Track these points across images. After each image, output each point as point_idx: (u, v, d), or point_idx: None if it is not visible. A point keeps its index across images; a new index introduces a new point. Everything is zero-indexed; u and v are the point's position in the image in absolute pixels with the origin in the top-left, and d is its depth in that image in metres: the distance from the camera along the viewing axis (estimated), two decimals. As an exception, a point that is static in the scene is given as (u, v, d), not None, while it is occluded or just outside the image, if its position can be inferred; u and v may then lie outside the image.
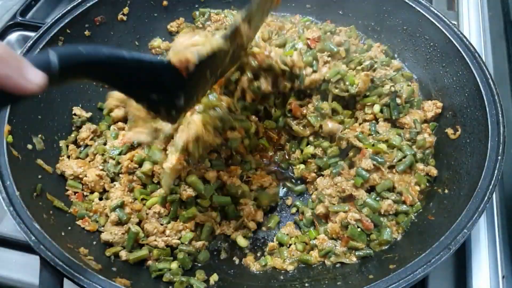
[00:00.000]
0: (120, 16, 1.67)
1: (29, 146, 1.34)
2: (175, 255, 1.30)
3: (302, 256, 1.32)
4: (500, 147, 1.22)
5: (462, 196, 1.23)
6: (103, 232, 1.31)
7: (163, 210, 1.34)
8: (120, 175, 1.41)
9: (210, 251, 1.35)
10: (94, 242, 1.30)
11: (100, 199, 1.40)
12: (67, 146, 1.48)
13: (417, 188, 1.37)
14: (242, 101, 1.45)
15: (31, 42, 1.43)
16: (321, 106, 1.51)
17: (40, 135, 1.39)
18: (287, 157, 1.59)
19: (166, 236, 1.31)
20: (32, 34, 1.61)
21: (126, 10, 1.67)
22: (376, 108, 1.49)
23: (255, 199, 1.42)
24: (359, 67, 1.52)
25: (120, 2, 1.66)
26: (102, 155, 1.45)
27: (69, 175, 1.39)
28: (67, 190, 1.39)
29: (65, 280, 1.07)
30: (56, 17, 1.50)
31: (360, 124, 1.52)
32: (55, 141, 1.46)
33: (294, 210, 1.46)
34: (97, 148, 1.47)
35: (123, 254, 1.27)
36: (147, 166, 1.37)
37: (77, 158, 1.46)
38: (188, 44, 1.01)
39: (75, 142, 1.50)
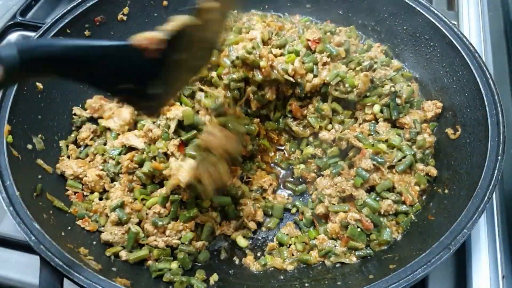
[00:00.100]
0: (120, 16, 1.67)
1: (29, 146, 1.34)
2: (175, 255, 1.30)
3: (302, 256, 1.32)
4: (500, 147, 1.22)
5: (462, 196, 1.23)
6: (103, 232, 1.31)
7: (163, 210, 1.34)
8: (120, 175, 1.41)
9: (210, 251, 1.35)
10: (94, 242, 1.30)
11: (100, 199, 1.40)
12: (67, 146, 1.48)
13: (417, 188, 1.37)
14: (246, 107, 1.50)
15: (31, 42, 1.43)
16: (321, 107, 1.51)
17: (40, 135, 1.40)
18: (287, 156, 1.59)
19: (166, 236, 1.31)
20: (32, 34, 1.62)
21: (126, 10, 1.67)
22: (376, 108, 1.50)
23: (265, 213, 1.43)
24: (358, 68, 1.52)
25: (120, 2, 1.66)
26: (102, 155, 1.45)
27: (69, 175, 1.39)
28: (67, 190, 1.39)
29: (65, 280, 1.07)
30: (56, 17, 1.50)
31: (360, 124, 1.52)
32: (55, 141, 1.46)
33: (294, 210, 1.46)
34: (97, 148, 1.47)
35: (123, 254, 1.27)
36: (147, 166, 1.37)
37: (77, 158, 1.46)
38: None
39: (75, 142, 1.50)
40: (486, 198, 1.15)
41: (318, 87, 1.51)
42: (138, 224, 1.33)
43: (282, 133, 1.62)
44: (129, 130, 1.49)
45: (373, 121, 1.50)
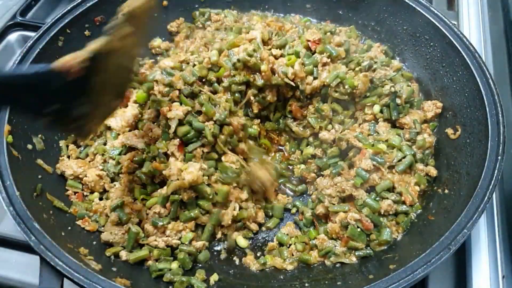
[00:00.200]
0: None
1: (29, 146, 1.34)
2: (175, 255, 1.30)
3: (302, 256, 1.32)
4: (500, 147, 1.22)
5: (462, 196, 1.23)
6: (103, 232, 1.31)
7: (163, 210, 1.33)
8: (120, 175, 1.41)
9: (210, 251, 1.35)
10: (94, 242, 1.30)
11: (100, 199, 1.40)
12: (67, 146, 1.48)
13: (417, 188, 1.37)
14: (246, 108, 1.51)
15: (31, 42, 1.43)
16: (321, 107, 1.51)
17: (40, 135, 1.39)
18: (287, 156, 1.59)
19: (166, 236, 1.31)
20: (32, 34, 1.62)
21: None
22: (376, 108, 1.50)
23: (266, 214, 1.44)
24: (358, 68, 1.52)
25: (120, 2, 1.65)
26: (102, 155, 1.45)
27: (69, 175, 1.39)
28: (67, 190, 1.39)
29: (65, 280, 1.07)
30: (56, 17, 1.50)
31: (360, 124, 1.52)
32: (55, 141, 1.46)
33: (294, 210, 1.46)
34: (97, 148, 1.47)
35: (123, 254, 1.27)
36: (147, 166, 1.37)
37: (77, 158, 1.46)
38: None
39: (75, 142, 1.50)
40: (486, 198, 1.15)
41: (318, 89, 1.51)
42: (138, 224, 1.33)
43: (282, 133, 1.62)
44: (130, 130, 1.49)
45: (373, 121, 1.50)
